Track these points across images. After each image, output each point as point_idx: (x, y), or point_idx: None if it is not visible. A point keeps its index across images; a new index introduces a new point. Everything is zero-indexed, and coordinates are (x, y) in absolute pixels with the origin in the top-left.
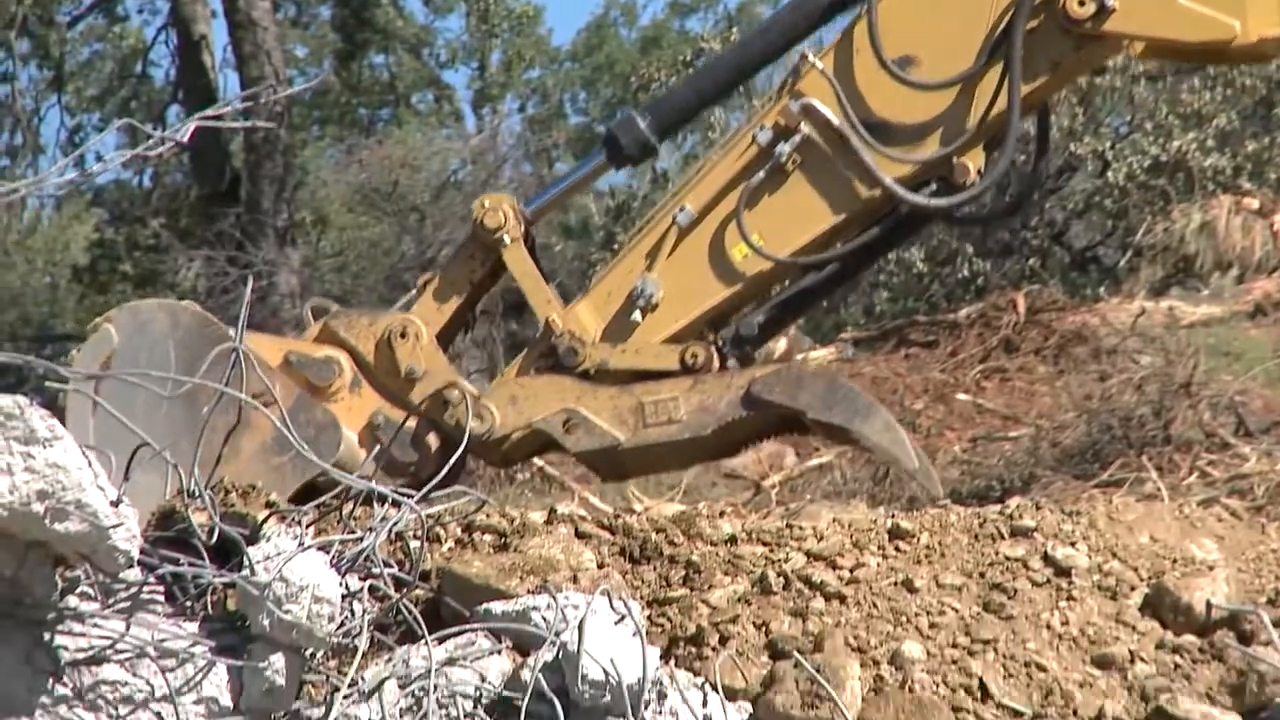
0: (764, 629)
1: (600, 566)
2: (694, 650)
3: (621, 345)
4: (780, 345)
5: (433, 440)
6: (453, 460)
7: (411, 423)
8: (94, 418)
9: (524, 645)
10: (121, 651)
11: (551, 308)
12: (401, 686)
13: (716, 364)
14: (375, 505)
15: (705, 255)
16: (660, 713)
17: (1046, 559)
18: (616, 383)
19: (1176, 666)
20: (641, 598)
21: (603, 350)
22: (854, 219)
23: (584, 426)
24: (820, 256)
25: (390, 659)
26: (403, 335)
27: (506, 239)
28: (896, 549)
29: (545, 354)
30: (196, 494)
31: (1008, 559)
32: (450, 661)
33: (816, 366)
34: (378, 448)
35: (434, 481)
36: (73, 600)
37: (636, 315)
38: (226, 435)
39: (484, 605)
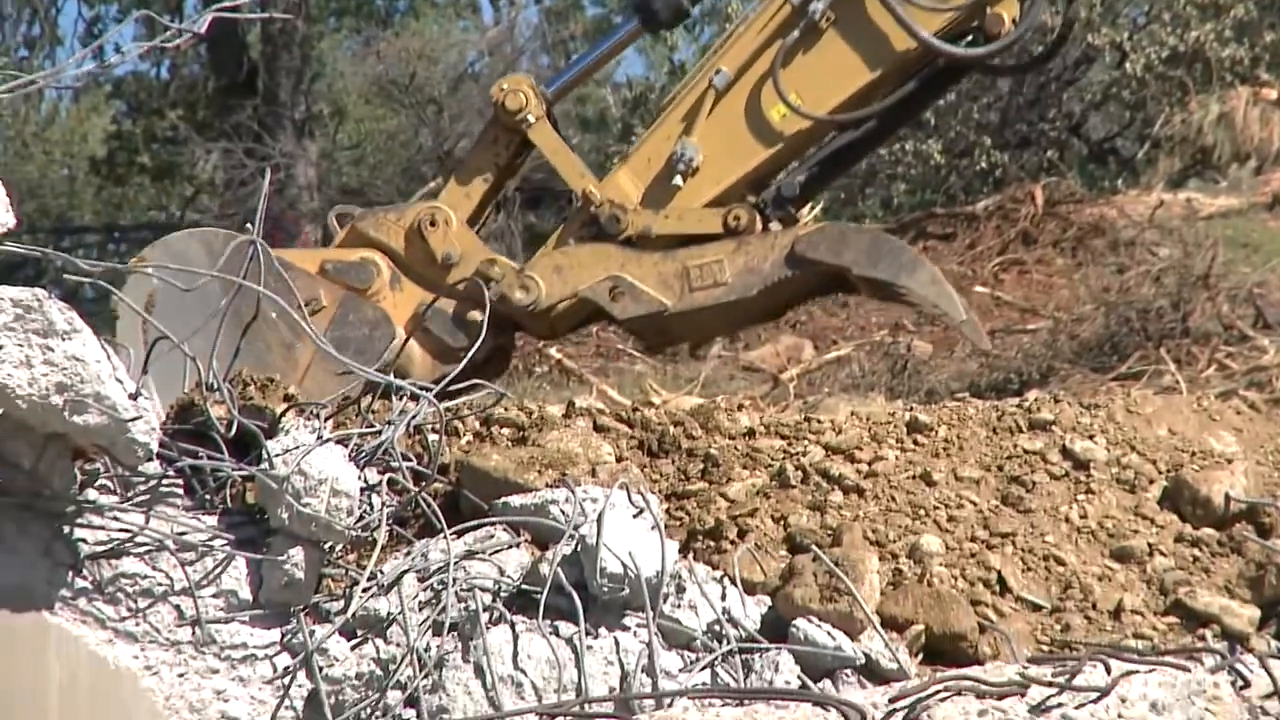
0: (782, 522)
1: (618, 460)
2: (712, 544)
3: (664, 210)
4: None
5: (479, 319)
6: (480, 349)
7: (455, 306)
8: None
9: (542, 539)
10: (140, 545)
11: (587, 179)
12: (420, 580)
13: (759, 226)
14: (394, 398)
15: (743, 117)
16: (679, 606)
17: (1065, 452)
18: (660, 248)
19: (1195, 559)
20: (660, 491)
21: (645, 216)
22: (890, 74)
23: (630, 293)
24: (858, 114)
25: (409, 552)
26: (432, 224)
27: (530, 118)
28: (915, 442)
29: (586, 223)
30: (215, 387)
31: (1026, 452)
32: (469, 555)
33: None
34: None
35: (453, 374)
36: (92, 493)
37: (677, 180)
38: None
39: (502, 499)
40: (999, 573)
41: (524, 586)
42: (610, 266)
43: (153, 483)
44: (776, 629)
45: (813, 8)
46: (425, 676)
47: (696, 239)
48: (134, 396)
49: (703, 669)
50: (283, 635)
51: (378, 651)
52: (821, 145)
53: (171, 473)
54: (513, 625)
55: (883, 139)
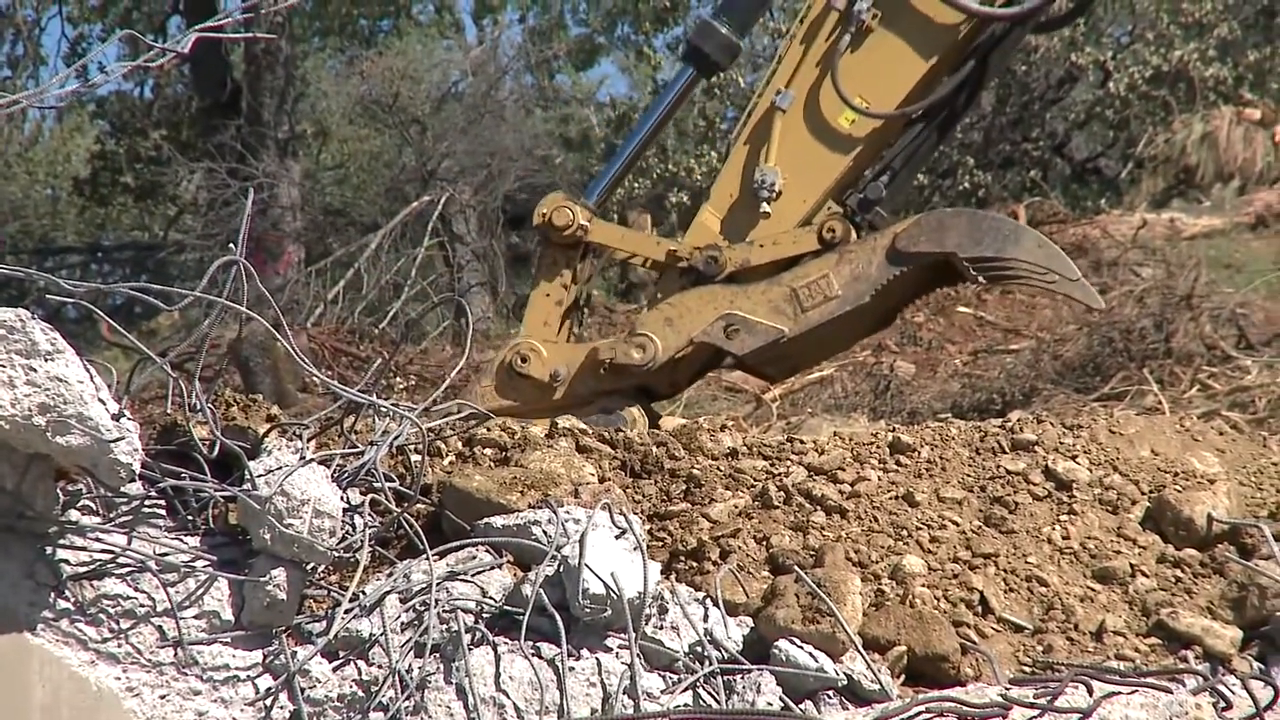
0: (765, 543)
1: (601, 480)
2: (695, 564)
3: (757, 240)
4: None
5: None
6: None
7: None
8: None
9: (525, 559)
10: (123, 565)
11: (664, 244)
12: (402, 601)
13: (854, 234)
14: (376, 419)
15: (814, 131)
16: (661, 627)
17: (1047, 473)
18: (762, 278)
19: (1177, 580)
20: (642, 512)
21: (740, 250)
22: (945, 56)
23: (745, 327)
24: (924, 103)
25: (391, 573)
26: (524, 360)
27: (584, 223)
28: (897, 463)
29: (682, 275)
30: (198, 407)
31: (1009, 473)
32: (451, 575)
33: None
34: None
35: (435, 395)
36: (74, 514)
37: (765, 207)
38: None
39: (485, 519)
40: (981, 594)
41: (506, 607)
42: (719, 306)
43: (135, 503)
44: (758, 650)
45: (858, 8)
46: (407, 698)
47: (796, 261)
48: (116, 417)
49: (685, 690)
50: (265, 656)
51: (360, 673)
52: (895, 142)
53: (154, 493)
54: (495, 646)
55: (953, 124)
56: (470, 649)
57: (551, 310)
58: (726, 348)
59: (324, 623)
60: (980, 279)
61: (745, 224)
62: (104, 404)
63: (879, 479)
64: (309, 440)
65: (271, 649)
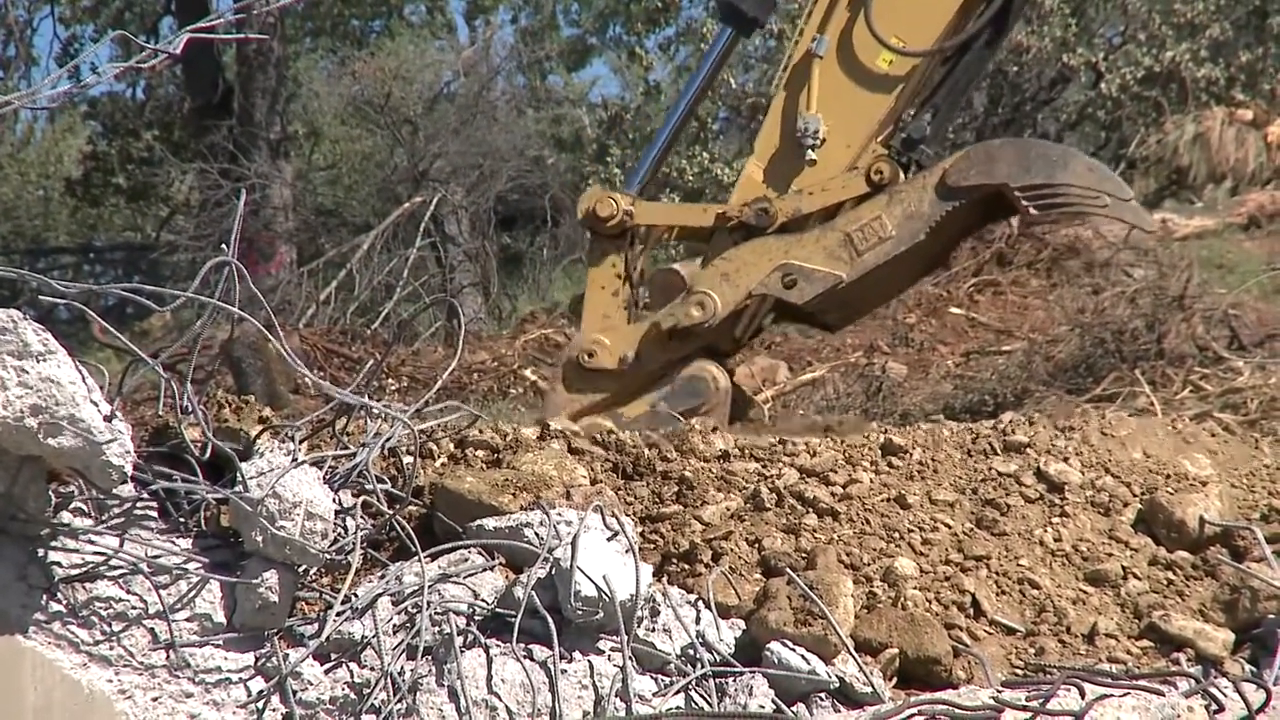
0: (757, 545)
1: (593, 482)
2: (687, 567)
3: (806, 188)
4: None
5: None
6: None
7: (670, 380)
8: None
9: (517, 561)
10: (115, 568)
11: (711, 208)
12: (394, 603)
13: (901, 174)
14: (369, 421)
15: (853, 75)
16: (653, 629)
17: (1039, 475)
18: (814, 226)
19: (1169, 583)
20: (634, 514)
21: (791, 200)
22: None
23: (802, 275)
24: (960, 37)
25: (383, 575)
26: (590, 355)
27: (630, 208)
28: (889, 465)
29: (733, 232)
30: (190, 409)
31: (1000, 475)
32: (443, 578)
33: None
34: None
35: (427, 396)
36: (66, 516)
37: (810, 155)
38: None
39: (477, 521)
40: (973, 596)
41: (498, 610)
42: (775, 257)
43: (127, 506)
44: (751, 652)
45: None
46: (399, 700)
47: (846, 206)
48: (108, 419)
49: (677, 693)
50: (257, 659)
51: (352, 675)
52: (935, 78)
53: (146, 495)
54: (487, 649)
55: (989, 58)
56: (462, 651)
57: (608, 302)
58: (786, 298)
59: (316, 625)
60: (1031, 209)
61: (790, 173)
62: (96, 405)
63: (871, 481)
64: (301, 442)
65: (263, 651)
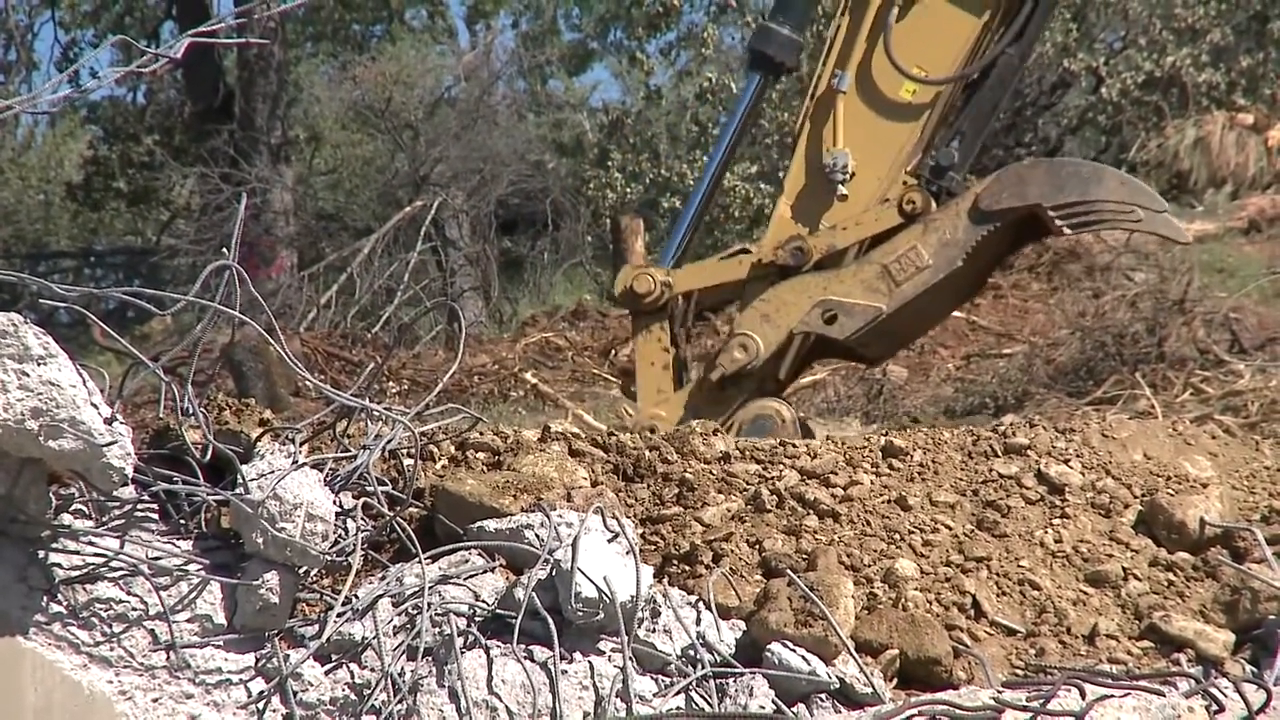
0: (757, 547)
1: (594, 484)
2: (687, 568)
3: (839, 224)
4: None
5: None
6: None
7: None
8: None
9: (517, 563)
10: (115, 569)
11: (746, 260)
12: (395, 604)
13: (933, 203)
14: (369, 423)
15: (877, 107)
16: (654, 630)
17: (1040, 476)
18: (849, 261)
19: (1170, 584)
20: (635, 515)
21: (825, 236)
22: (995, 12)
23: (842, 310)
24: (981, 62)
25: (384, 577)
26: (652, 431)
27: (667, 280)
28: (890, 466)
29: (769, 274)
30: (191, 411)
31: (1001, 476)
32: (444, 579)
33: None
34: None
35: (428, 399)
36: (67, 518)
37: (841, 189)
38: None
39: (477, 523)
40: (974, 597)
41: (499, 611)
42: (814, 294)
43: (128, 507)
44: (751, 653)
45: None
46: (400, 701)
47: (880, 239)
48: (109, 421)
49: (677, 694)
50: (257, 660)
51: (352, 676)
52: (958, 105)
53: (147, 497)
54: (487, 650)
55: (1012, 80)
56: (463, 652)
57: (659, 376)
58: (827, 333)
59: (316, 626)
60: (1065, 229)
61: (820, 209)
62: (96, 408)
63: (871, 483)
64: (301, 444)
65: (264, 652)
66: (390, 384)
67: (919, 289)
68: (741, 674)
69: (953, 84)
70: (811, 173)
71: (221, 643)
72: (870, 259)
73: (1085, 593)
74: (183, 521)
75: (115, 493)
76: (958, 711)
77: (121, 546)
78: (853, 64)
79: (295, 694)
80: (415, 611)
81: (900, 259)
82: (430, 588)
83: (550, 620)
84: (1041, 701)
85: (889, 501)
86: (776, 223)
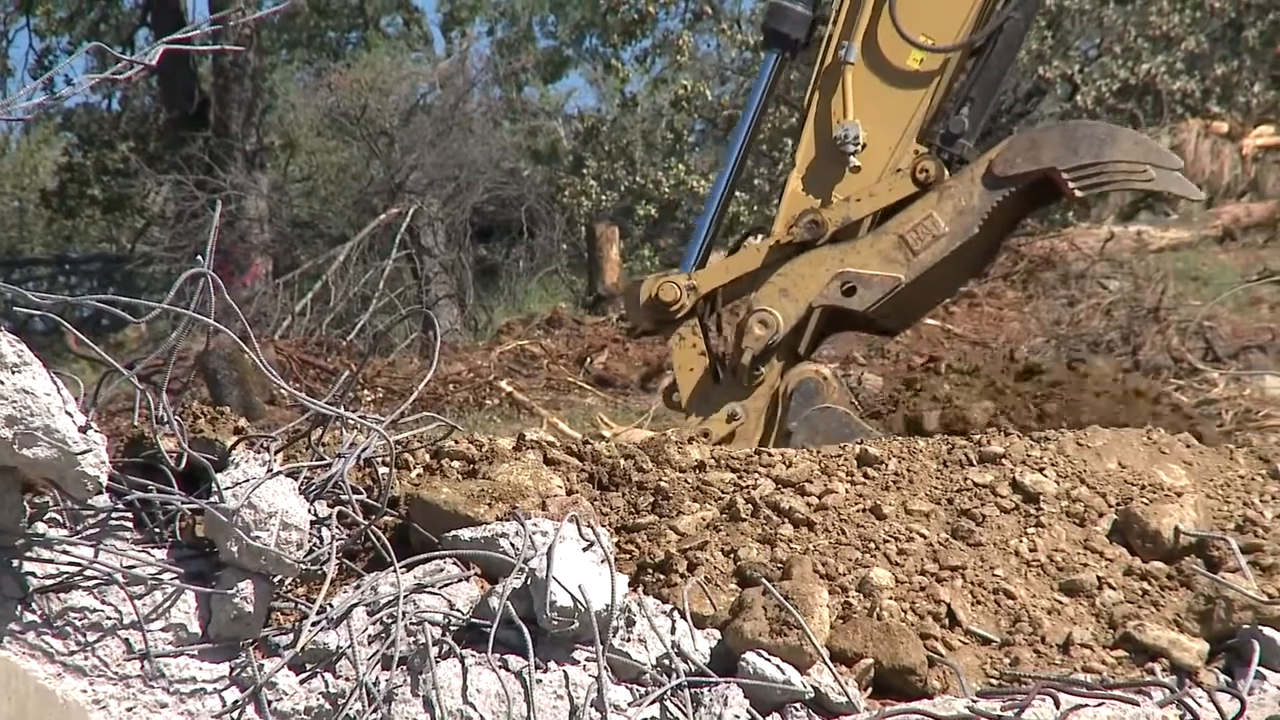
0: (732, 556)
1: (569, 493)
2: (662, 577)
3: (854, 195)
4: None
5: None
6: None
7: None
8: None
9: (492, 572)
10: (89, 578)
11: (764, 245)
12: (370, 613)
13: (946, 171)
14: (344, 431)
15: (886, 77)
16: (628, 639)
17: (1015, 485)
18: (865, 232)
19: (1144, 593)
20: (610, 524)
21: (839, 209)
22: None
23: (860, 281)
24: (987, 29)
25: (359, 586)
26: (705, 434)
27: (691, 284)
28: (865, 475)
29: (787, 254)
30: (166, 420)
31: (976, 485)
32: (419, 588)
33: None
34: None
35: (403, 407)
36: (41, 526)
37: (853, 161)
38: None
39: (452, 532)
40: (948, 606)
41: (473, 620)
42: (831, 267)
43: (102, 516)
44: (726, 663)
45: None
46: (374, 711)
47: (894, 209)
48: (83, 429)
49: (652, 703)
50: (231, 669)
51: (327, 685)
52: (966, 72)
53: (121, 506)
54: (462, 659)
55: (1018, 45)
56: (437, 661)
57: (700, 381)
58: (847, 305)
59: (291, 635)
60: (1077, 192)
61: (832, 181)
62: (71, 416)
63: (846, 491)
64: (276, 452)
65: (238, 661)
66: (365, 392)
67: (937, 257)
68: (716, 683)
69: (960, 51)
70: (822, 146)
71: (196, 652)
72: (886, 229)
73: (1060, 602)
74: (157, 530)
75: (89, 501)
76: None
77: (96, 555)
78: (859, 35)
79: (269, 703)
80: (390, 620)
81: (917, 228)
82: (405, 596)
83: (525, 629)
84: (1016, 711)
85: (864, 510)
86: (789, 198)
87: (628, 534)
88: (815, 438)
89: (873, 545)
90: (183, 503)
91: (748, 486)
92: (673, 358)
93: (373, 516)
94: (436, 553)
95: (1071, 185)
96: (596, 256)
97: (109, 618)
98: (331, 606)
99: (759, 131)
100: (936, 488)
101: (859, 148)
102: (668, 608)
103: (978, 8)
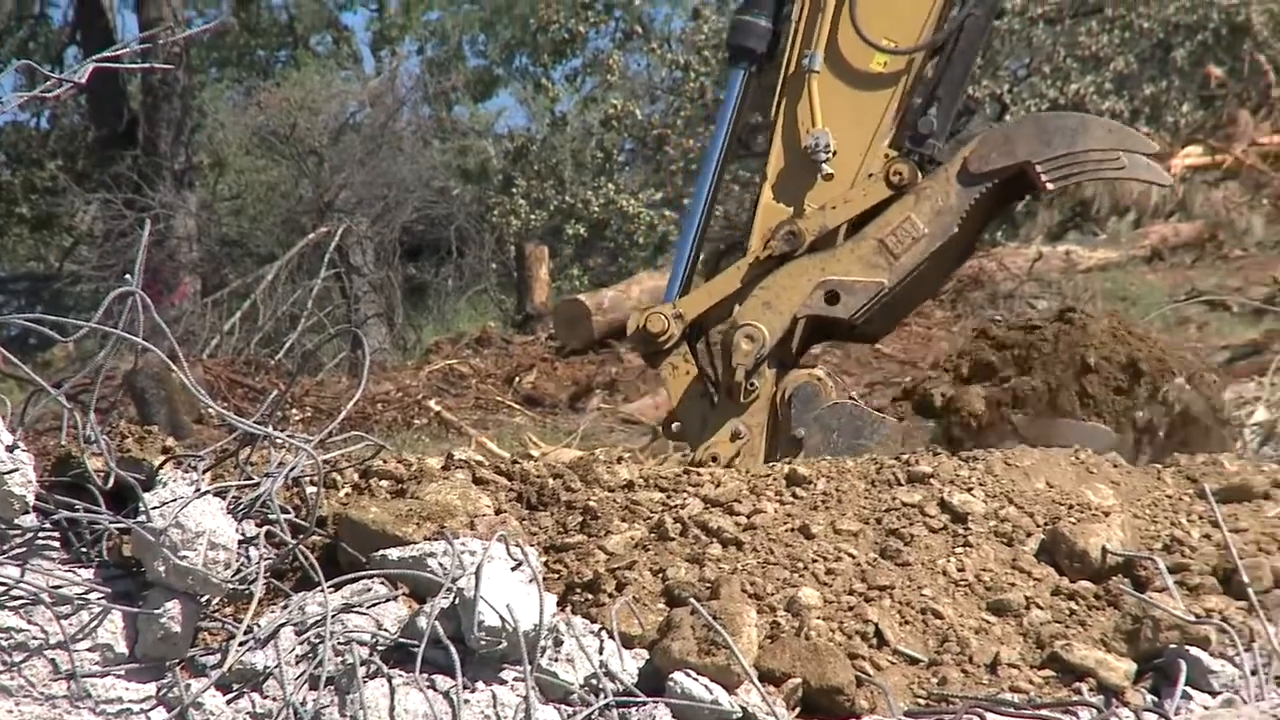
0: (661, 575)
1: (497, 512)
2: (590, 596)
3: (829, 203)
4: None
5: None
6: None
7: (760, 416)
8: None
9: (420, 592)
10: (16, 598)
11: (743, 263)
12: (298, 633)
13: (919, 172)
14: (272, 451)
15: (852, 82)
16: (556, 659)
17: (943, 505)
18: (842, 240)
19: (1072, 613)
20: (538, 544)
21: (815, 218)
22: None
23: (843, 289)
24: (950, 27)
25: (286, 605)
26: (714, 458)
27: (677, 313)
28: (794, 495)
29: (766, 265)
30: (93, 439)
31: (905, 505)
32: (346, 608)
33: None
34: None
35: (331, 427)
36: None
37: (825, 169)
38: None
39: (380, 551)
40: (876, 626)
41: (401, 640)
42: (813, 276)
43: (28, 535)
44: (654, 682)
45: None
46: None
47: (870, 215)
48: (10, 449)
49: None
50: (158, 689)
51: (254, 705)
52: (933, 72)
53: (48, 525)
54: (389, 679)
55: (980, 42)
56: (365, 681)
57: (700, 405)
58: (832, 314)
59: (218, 655)
60: (1049, 185)
61: (804, 190)
62: None
63: (775, 511)
64: (204, 472)
65: (165, 682)
66: (293, 411)
67: (918, 259)
68: (644, 703)
69: (924, 51)
70: (791, 156)
71: (123, 672)
72: (865, 235)
73: (987, 621)
74: (84, 550)
75: (16, 520)
76: None
77: (22, 575)
78: (820, 42)
79: None
80: (317, 640)
81: (896, 231)
82: (333, 616)
83: (453, 649)
84: None
85: (793, 530)
86: (763, 211)
87: (556, 553)
88: (831, 436)
89: (801, 565)
90: (110, 522)
91: (676, 506)
92: (667, 388)
93: (301, 536)
94: (364, 572)
95: (1045, 178)
96: (525, 276)
97: (35, 638)
98: (259, 626)
99: (731, 151)
100: (865, 507)
101: (830, 155)
102: (596, 627)
103: (938, 8)
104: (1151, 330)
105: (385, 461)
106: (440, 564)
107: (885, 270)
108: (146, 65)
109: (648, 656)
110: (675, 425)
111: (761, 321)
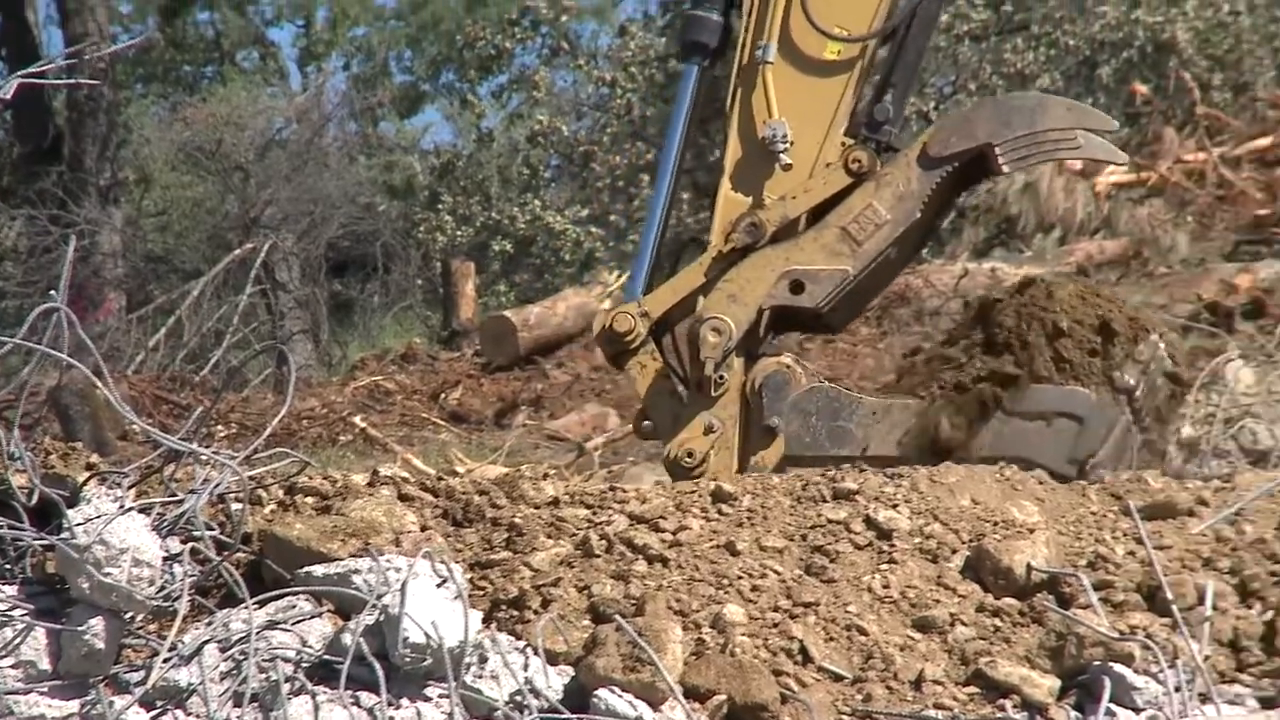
0: (586, 592)
1: (423, 529)
2: (516, 613)
3: (789, 194)
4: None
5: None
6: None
7: (732, 410)
8: None
9: (345, 608)
10: None
11: (704, 259)
12: (222, 650)
13: (878, 159)
14: (197, 467)
15: (806, 71)
16: (481, 676)
17: (868, 522)
18: (804, 229)
19: (996, 629)
20: (464, 560)
21: (776, 208)
22: None
23: (809, 278)
24: (901, 15)
25: (210, 622)
26: (690, 454)
27: (644, 310)
28: (719, 512)
29: (729, 258)
30: (17, 455)
31: (830, 521)
32: (271, 625)
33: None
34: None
35: (256, 443)
36: None
37: (784, 159)
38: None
39: (305, 568)
40: (801, 643)
41: (326, 657)
42: (776, 267)
43: None
44: (579, 699)
45: None
46: None
47: (831, 204)
48: None
49: None
50: (82, 706)
51: None
52: (885, 59)
53: None
54: (314, 696)
55: (932, 28)
56: (289, 698)
57: (670, 402)
58: (798, 304)
59: (142, 672)
60: (1006, 167)
61: (762, 181)
62: None
63: (701, 528)
64: (128, 489)
65: (89, 699)
66: (219, 428)
67: (881, 245)
68: (569, 719)
69: (876, 38)
70: (748, 147)
71: (46, 689)
72: (827, 223)
73: (912, 638)
74: (7, 566)
75: None
76: None
77: None
78: (773, 33)
79: None
80: (242, 657)
81: (858, 218)
82: (257, 633)
83: (378, 666)
84: None
85: (718, 547)
86: (723, 204)
87: (481, 570)
88: (810, 420)
89: (726, 582)
90: (34, 539)
91: (602, 523)
92: (637, 387)
93: (225, 553)
94: (289, 589)
95: (1002, 160)
96: (452, 292)
97: None
98: (183, 643)
99: (688, 147)
100: (790, 524)
101: (788, 145)
102: (521, 644)
103: None
104: None
105: (310, 478)
106: (365, 581)
107: (849, 258)
108: (72, 81)
109: (573, 673)
110: (646, 424)
111: (727, 314)
